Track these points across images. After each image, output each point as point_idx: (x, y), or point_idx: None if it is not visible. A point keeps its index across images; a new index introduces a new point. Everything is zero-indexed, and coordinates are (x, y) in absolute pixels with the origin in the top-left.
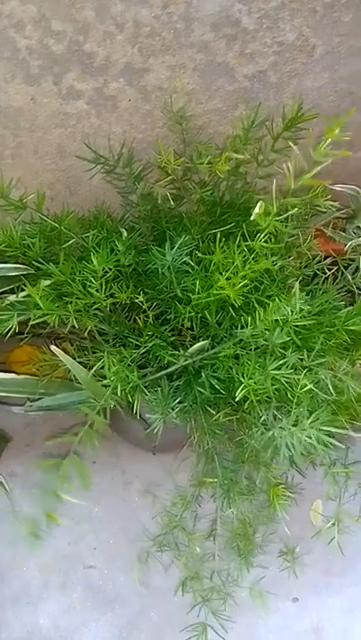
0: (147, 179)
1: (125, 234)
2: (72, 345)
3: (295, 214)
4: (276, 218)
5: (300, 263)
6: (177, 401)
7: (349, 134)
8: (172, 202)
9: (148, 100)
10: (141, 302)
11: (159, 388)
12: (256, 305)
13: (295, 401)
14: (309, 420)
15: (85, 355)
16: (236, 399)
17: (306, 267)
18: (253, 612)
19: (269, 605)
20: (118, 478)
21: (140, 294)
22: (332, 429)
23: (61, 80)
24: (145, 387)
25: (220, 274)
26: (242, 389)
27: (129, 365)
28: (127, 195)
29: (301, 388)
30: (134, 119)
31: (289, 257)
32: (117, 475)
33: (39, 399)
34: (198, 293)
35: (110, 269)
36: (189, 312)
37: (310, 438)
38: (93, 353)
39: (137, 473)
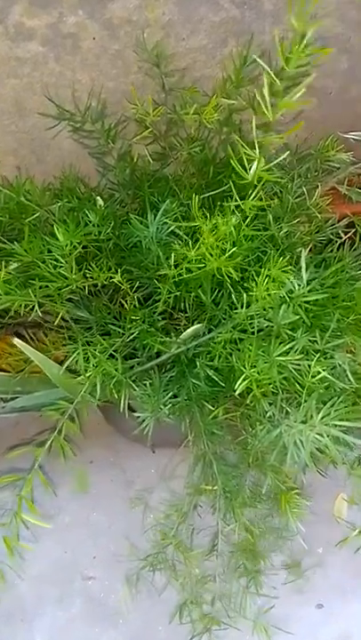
0: (123, 136)
1: (101, 202)
2: (46, 336)
3: (302, 171)
4: (266, 167)
5: (311, 228)
6: (169, 395)
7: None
8: (151, 161)
9: (117, 38)
10: (120, 282)
11: (148, 382)
12: (256, 279)
13: (305, 392)
14: (320, 415)
15: (64, 345)
16: (237, 392)
17: (317, 231)
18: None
19: (292, 613)
20: (118, 478)
21: (120, 273)
22: (350, 424)
23: (6, 17)
24: (132, 380)
25: (202, 238)
26: (242, 380)
27: (112, 356)
28: (101, 156)
29: (313, 377)
30: (102, 63)
31: (297, 221)
32: (117, 474)
33: (14, 398)
34: (176, 267)
35: (79, 244)
36: (179, 291)
37: (322, 436)
38: (72, 343)
39: (139, 472)
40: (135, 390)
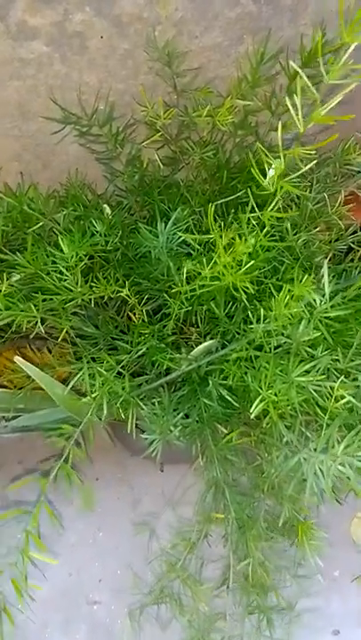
0: (132, 140)
1: (108, 210)
2: (50, 351)
3: (321, 175)
4: (287, 178)
5: (330, 236)
6: (179, 416)
7: None
8: (161, 166)
9: (126, 36)
10: (128, 296)
11: (157, 400)
12: (274, 292)
13: (327, 417)
14: (343, 445)
15: (69, 362)
16: (253, 415)
17: (337, 240)
18: None
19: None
20: (126, 496)
21: (127, 285)
22: None
23: (8, 13)
24: (141, 399)
25: (216, 256)
26: (259, 402)
27: (119, 374)
28: (109, 162)
29: (337, 400)
30: (111, 63)
31: (315, 229)
32: (125, 492)
33: (16, 416)
34: (188, 283)
35: (85, 255)
36: (190, 306)
37: (344, 467)
38: (77, 361)
39: (147, 489)
40: (143, 409)
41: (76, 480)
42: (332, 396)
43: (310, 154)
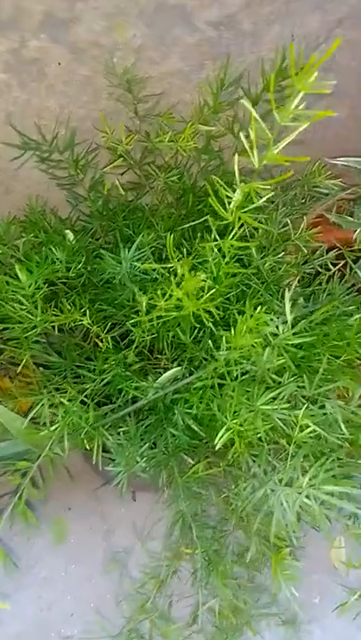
0: (95, 165)
1: (71, 236)
2: (12, 380)
3: (288, 198)
4: (248, 208)
5: (298, 259)
6: (145, 446)
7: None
8: (122, 191)
9: (84, 62)
10: (90, 324)
11: (122, 430)
12: (238, 317)
13: (293, 446)
14: (307, 477)
15: (32, 392)
16: (217, 446)
17: (305, 263)
18: None
19: None
20: (98, 526)
21: (90, 313)
22: (339, 488)
23: None
24: (107, 428)
25: (170, 288)
26: (224, 432)
27: (84, 403)
28: (71, 187)
29: (302, 430)
30: (71, 89)
31: (283, 252)
32: (97, 522)
33: None
34: (147, 313)
35: (45, 284)
36: (154, 332)
37: (310, 499)
38: (38, 392)
39: (120, 519)
40: (109, 439)
41: (33, 520)
42: (296, 425)
43: (267, 187)
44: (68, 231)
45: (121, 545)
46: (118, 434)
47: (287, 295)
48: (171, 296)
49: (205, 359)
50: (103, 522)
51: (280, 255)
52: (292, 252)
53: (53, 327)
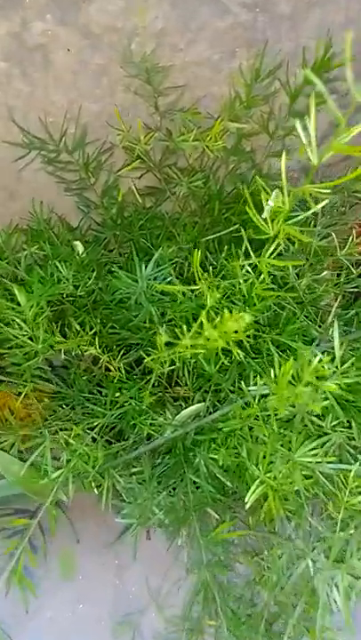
0: (109, 167)
1: (80, 248)
2: (13, 413)
3: (327, 206)
4: (291, 220)
5: (339, 276)
6: (162, 495)
7: None
8: (138, 197)
9: (97, 49)
10: (99, 353)
11: (134, 473)
12: (272, 348)
13: (341, 513)
14: None
15: (34, 423)
16: (248, 504)
17: (347, 281)
18: None
19: None
20: (110, 563)
21: (103, 335)
22: None
23: None
24: (117, 469)
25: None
26: (255, 489)
27: (93, 439)
28: (81, 192)
29: (352, 494)
30: (81, 81)
31: (321, 268)
32: (109, 558)
33: None
34: (170, 344)
35: (50, 304)
36: (173, 364)
37: None
38: (46, 422)
39: (134, 554)
40: (120, 482)
41: (30, 587)
42: (346, 487)
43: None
44: (77, 242)
45: (134, 582)
46: (131, 475)
47: (336, 326)
48: (199, 334)
49: (232, 391)
50: (115, 556)
51: (319, 272)
52: (329, 268)
53: (60, 351)
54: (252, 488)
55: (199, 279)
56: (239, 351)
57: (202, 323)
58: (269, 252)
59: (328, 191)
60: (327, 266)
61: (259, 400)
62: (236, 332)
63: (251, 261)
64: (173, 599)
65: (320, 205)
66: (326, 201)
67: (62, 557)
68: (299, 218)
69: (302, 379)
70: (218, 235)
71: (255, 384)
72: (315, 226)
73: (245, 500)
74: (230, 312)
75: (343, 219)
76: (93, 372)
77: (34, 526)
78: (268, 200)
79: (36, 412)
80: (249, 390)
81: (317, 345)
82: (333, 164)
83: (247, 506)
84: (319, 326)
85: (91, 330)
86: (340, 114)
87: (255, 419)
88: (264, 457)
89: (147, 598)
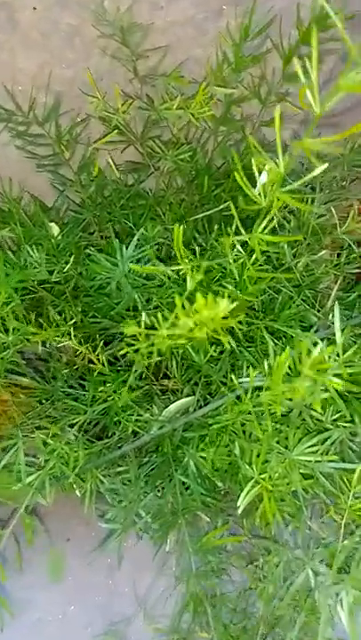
0: (86, 141)
1: (55, 230)
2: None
3: (326, 181)
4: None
5: (339, 256)
6: (148, 496)
7: None
8: (116, 172)
9: (68, 7)
10: (77, 345)
11: (119, 472)
12: (266, 336)
13: (345, 518)
14: None
15: (11, 420)
16: (240, 508)
17: (348, 262)
18: None
19: None
20: (101, 561)
21: (80, 326)
22: None
23: None
24: (100, 469)
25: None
26: (248, 490)
27: (75, 438)
28: (56, 168)
29: (358, 497)
30: (51, 43)
31: (320, 248)
32: (101, 557)
33: None
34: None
35: (17, 292)
36: (158, 355)
37: None
38: (20, 423)
39: (127, 552)
40: (103, 482)
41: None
42: (349, 489)
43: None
44: (52, 224)
45: (126, 583)
46: (116, 475)
47: (336, 310)
48: (175, 322)
49: (224, 383)
50: (107, 555)
51: (318, 252)
52: (329, 247)
53: (38, 343)
54: (246, 490)
55: (181, 259)
56: (230, 340)
57: (180, 309)
58: (262, 226)
59: (336, 142)
60: (326, 245)
61: (252, 393)
62: (213, 319)
63: (241, 237)
64: (163, 606)
65: (321, 168)
66: (325, 165)
67: (51, 556)
68: (297, 184)
69: (301, 371)
70: (207, 213)
71: (248, 375)
72: (313, 202)
73: (238, 504)
74: (215, 295)
75: (343, 194)
76: (76, 365)
77: (4, 538)
78: (263, 166)
79: (11, 409)
80: (240, 383)
81: (316, 331)
82: (337, 114)
83: (240, 510)
84: (318, 311)
85: (71, 319)
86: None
87: (248, 413)
88: (258, 455)
89: (138, 600)
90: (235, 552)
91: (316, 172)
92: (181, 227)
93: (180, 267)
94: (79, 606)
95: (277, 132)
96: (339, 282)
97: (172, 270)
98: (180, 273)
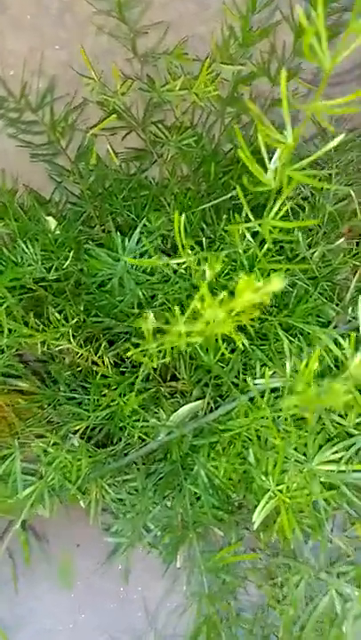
0: (83, 126)
1: (53, 224)
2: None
3: (343, 164)
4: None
5: (357, 245)
6: (156, 508)
7: None
8: (116, 160)
9: None
10: (76, 347)
11: (125, 481)
12: (280, 333)
13: None
14: None
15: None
16: (255, 524)
17: None
18: None
19: None
20: (113, 568)
21: (82, 325)
22: None
23: None
24: (105, 479)
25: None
26: (264, 504)
27: (76, 445)
28: (51, 159)
29: None
30: (43, 23)
31: (338, 236)
32: (112, 563)
33: None
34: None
35: (14, 290)
36: (166, 356)
37: None
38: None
39: (137, 559)
40: (109, 493)
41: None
42: None
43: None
44: (49, 218)
45: (138, 590)
46: (122, 483)
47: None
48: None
49: (236, 384)
50: (118, 561)
51: (335, 241)
52: (346, 235)
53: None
54: (262, 503)
55: (183, 250)
56: (243, 338)
57: (200, 302)
58: (273, 212)
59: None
60: (343, 233)
61: (269, 395)
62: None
63: (251, 224)
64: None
65: (337, 140)
66: (342, 136)
67: (60, 563)
68: (310, 159)
69: (341, 371)
70: (214, 202)
71: (263, 375)
72: (327, 189)
73: (253, 519)
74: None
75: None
76: (79, 367)
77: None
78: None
79: (10, 416)
80: (255, 384)
81: (335, 327)
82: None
83: (255, 525)
84: (336, 305)
85: (72, 319)
86: None
87: (263, 418)
88: (275, 466)
89: (151, 608)
90: (251, 566)
91: (334, 142)
92: (183, 215)
93: (183, 259)
94: (90, 614)
95: (283, 92)
96: (359, 273)
97: (178, 264)
98: (186, 267)
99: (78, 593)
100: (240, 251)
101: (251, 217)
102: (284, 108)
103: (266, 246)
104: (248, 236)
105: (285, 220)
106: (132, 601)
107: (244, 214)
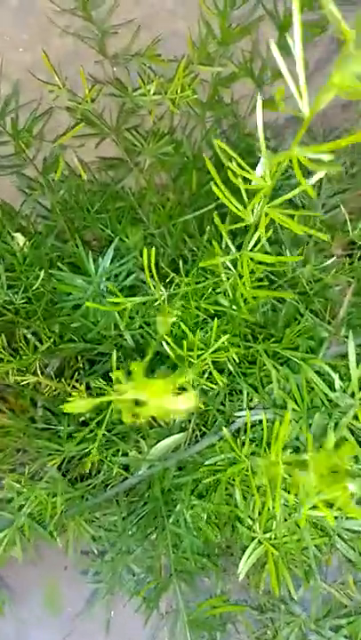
0: (53, 136)
1: (21, 240)
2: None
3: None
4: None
5: (350, 258)
6: (137, 550)
7: None
8: (82, 173)
9: None
10: (47, 381)
11: (105, 521)
12: (266, 362)
13: None
14: None
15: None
16: (240, 576)
17: None
18: None
19: None
20: (102, 591)
21: (58, 350)
22: None
23: None
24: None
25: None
26: (250, 553)
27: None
28: (18, 170)
29: None
30: (2, 23)
31: (329, 255)
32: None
33: None
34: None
35: None
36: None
37: None
38: None
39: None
40: (86, 530)
41: None
42: None
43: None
44: (17, 234)
45: (128, 615)
46: (103, 516)
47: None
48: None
49: (221, 411)
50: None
51: (327, 254)
52: (339, 248)
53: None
54: (247, 552)
55: (154, 287)
56: (228, 363)
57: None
58: (251, 243)
59: (329, 157)
60: (335, 246)
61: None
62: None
63: (229, 258)
64: None
65: (313, 179)
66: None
67: (47, 588)
68: (287, 196)
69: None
70: (196, 214)
71: (250, 400)
72: (318, 195)
73: (238, 571)
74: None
75: (353, 184)
76: (57, 390)
77: None
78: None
79: None
80: (239, 417)
81: (328, 348)
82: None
83: (240, 577)
84: (328, 322)
85: (45, 342)
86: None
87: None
88: (260, 512)
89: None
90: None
91: (313, 180)
92: (152, 250)
93: (153, 297)
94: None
95: (261, 133)
96: (351, 288)
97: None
98: (167, 288)
99: (66, 617)
100: (223, 278)
101: (230, 245)
102: (263, 153)
103: (245, 277)
104: (228, 263)
105: (269, 242)
106: (123, 625)
107: (224, 241)
